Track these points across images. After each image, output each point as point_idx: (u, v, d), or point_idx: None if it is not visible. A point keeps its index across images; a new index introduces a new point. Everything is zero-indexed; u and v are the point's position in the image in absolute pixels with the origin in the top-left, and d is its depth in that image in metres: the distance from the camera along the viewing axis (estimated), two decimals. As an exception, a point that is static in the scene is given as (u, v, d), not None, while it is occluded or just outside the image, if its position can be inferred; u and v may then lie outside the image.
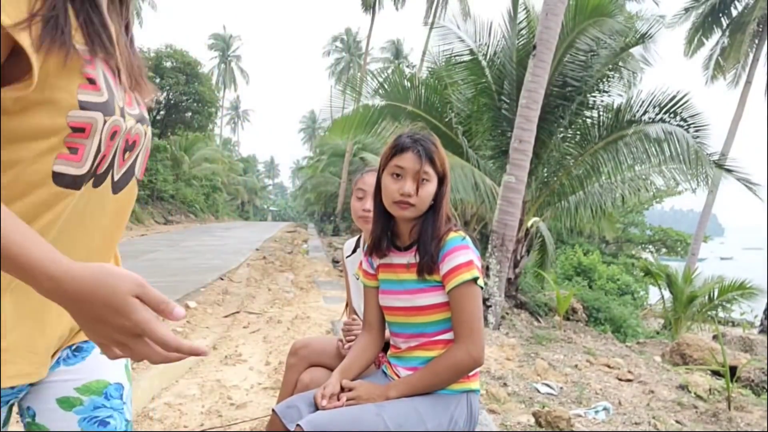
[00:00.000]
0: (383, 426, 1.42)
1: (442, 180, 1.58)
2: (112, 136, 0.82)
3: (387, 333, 1.81)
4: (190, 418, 3.04)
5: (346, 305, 2.40)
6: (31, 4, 0.69)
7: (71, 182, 0.78)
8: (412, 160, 1.52)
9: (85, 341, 0.97)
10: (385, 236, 1.64)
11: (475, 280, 1.51)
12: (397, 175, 1.54)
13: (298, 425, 1.40)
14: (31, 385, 0.88)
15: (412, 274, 1.58)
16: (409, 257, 1.60)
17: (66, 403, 0.93)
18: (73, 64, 0.74)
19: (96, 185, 0.83)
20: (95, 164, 0.81)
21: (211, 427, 2.92)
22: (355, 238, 2.33)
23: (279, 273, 10.08)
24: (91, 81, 0.77)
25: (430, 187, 1.55)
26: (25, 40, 0.67)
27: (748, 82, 16.40)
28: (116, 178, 0.87)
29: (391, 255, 1.65)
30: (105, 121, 0.78)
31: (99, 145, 0.79)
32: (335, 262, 13.64)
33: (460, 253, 1.52)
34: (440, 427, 1.49)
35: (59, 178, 0.76)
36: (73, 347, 0.95)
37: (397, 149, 1.55)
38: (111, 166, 0.85)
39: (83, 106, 0.75)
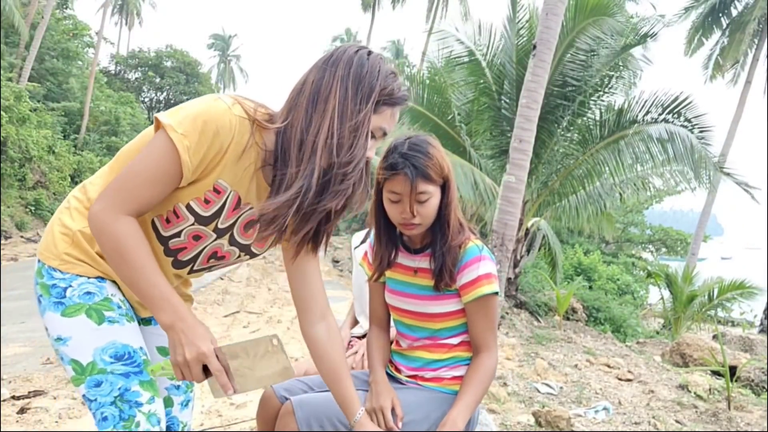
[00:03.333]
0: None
1: (444, 187, 1.49)
2: (195, 237, 1.19)
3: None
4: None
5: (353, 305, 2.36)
6: (200, 164, 1.09)
7: (160, 238, 1.19)
8: (403, 184, 1.42)
9: None
10: (388, 253, 1.60)
11: (495, 294, 1.49)
12: (396, 201, 1.46)
13: (288, 402, 1.42)
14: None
15: (422, 279, 1.55)
16: (419, 261, 1.56)
17: (162, 351, 1.33)
18: (204, 188, 1.13)
19: (176, 267, 1.24)
20: (173, 245, 1.19)
21: (211, 427, 2.92)
22: (366, 230, 2.30)
23: (279, 273, 10.08)
24: (207, 201, 1.14)
25: (432, 203, 1.46)
26: (187, 177, 1.10)
27: (748, 82, 16.38)
28: (195, 268, 1.27)
29: (400, 255, 1.62)
30: (193, 224, 1.16)
31: (180, 233, 1.18)
32: (335, 261, 13.64)
33: (480, 264, 1.48)
34: (427, 421, 1.49)
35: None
36: None
37: (389, 170, 1.45)
38: (194, 260, 1.24)
39: (188, 208, 1.14)
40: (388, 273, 1.65)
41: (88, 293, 1.13)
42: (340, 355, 1.33)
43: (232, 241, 1.24)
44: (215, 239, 1.21)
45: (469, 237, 1.53)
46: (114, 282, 1.20)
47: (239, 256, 1.28)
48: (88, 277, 1.15)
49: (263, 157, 1.14)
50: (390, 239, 1.60)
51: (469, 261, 1.49)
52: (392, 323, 1.72)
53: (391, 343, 1.74)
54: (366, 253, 1.73)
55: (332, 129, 1.10)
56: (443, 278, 1.50)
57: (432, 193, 1.45)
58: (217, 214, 1.16)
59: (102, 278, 1.17)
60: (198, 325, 1.08)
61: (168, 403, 1.32)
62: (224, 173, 1.12)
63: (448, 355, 1.56)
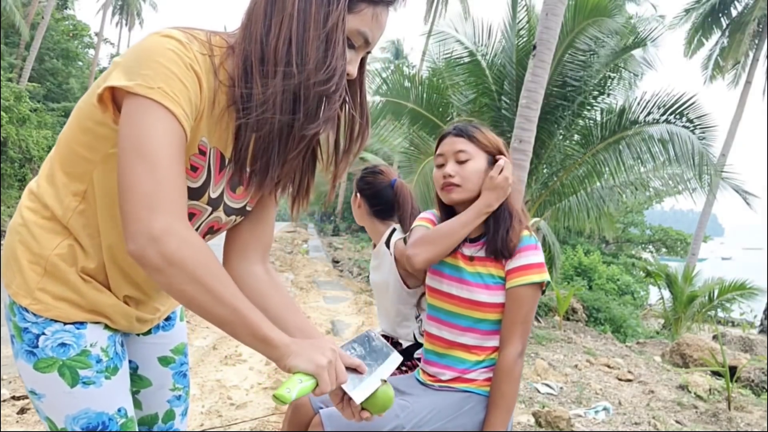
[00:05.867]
0: (399, 426, 1.39)
1: (494, 160, 1.53)
2: (189, 217, 0.96)
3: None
4: (190, 418, 3.04)
5: None
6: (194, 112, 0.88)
7: None
8: (449, 143, 1.54)
9: (172, 312, 1.22)
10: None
11: (541, 285, 1.46)
12: (441, 164, 1.55)
13: (317, 415, 1.41)
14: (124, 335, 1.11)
15: (474, 267, 1.52)
16: (474, 250, 1.55)
17: (164, 361, 1.19)
18: (189, 152, 0.90)
19: None
20: None
21: (211, 427, 2.92)
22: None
23: (279, 273, 10.08)
24: (194, 168, 0.93)
25: (473, 165, 1.51)
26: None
27: (748, 83, 16.37)
28: None
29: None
30: None
31: None
32: (335, 261, 13.64)
33: (533, 253, 1.48)
34: (464, 428, 1.44)
35: None
36: (166, 318, 1.20)
37: (439, 139, 1.58)
38: None
39: None
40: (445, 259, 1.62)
41: (63, 345, 0.95)
42: (287, 293, 1.12)
43: (228, 210, 1.04)
44: (211, 213, 1.02)
45: (527, 226, 1.55)
46: (97, 322, 1.00)
47: (235, 221, 1.10)
48: (64, 323, 0.95)
49: (229, 95, 0.93)
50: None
51: (523, 248, 1.49)
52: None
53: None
54: (427, 218, 1.69)
55: (297, 34, 0.88)
56: (494, 248, 1.49)
57: (472, 155, 1.51)
58: (207, 181, 0.97)
59: (81, 323, 0.97)
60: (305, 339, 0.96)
61: (170, 416, 1.24)
62: (203, 128, 0.92)
63: (491, 357, 1.51)
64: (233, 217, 1.07)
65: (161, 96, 0.81)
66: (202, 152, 0.93)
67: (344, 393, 0.95)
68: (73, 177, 0.94)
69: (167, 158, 0.82)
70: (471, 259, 1.54)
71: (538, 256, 1.48)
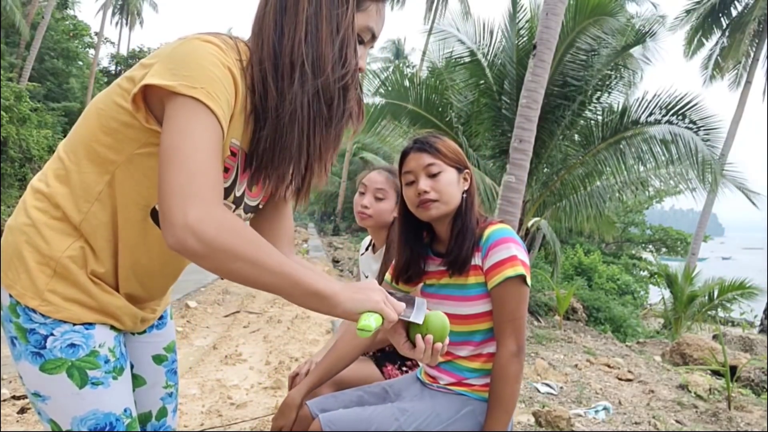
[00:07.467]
0: (399, 429, 1.39)
1: (460, 171, 1.53)
2: None
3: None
4: (190, 417, 3.04)
5: None
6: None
7: None
8: (415, 159, 1.50)
9: (164, 311, 1.24)
10: (415, 262, 1.56)
11: (521, 278, 1.41)
12: (411, 181, 1.51)
13: (317, 420, 1.40)
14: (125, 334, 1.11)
15: (455, 279, 1.50)
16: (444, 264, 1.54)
17: (157, 359, 1.21)
18: (223, 154, 0.92)
19: None
20: None
21: (211, 427, 2.92)
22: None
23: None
24: (226, 169, 0.95)
25: (445, 178, 1.48)
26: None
27: (748, 82, 16.35)
28: None
29: (433, 264, 1.58)
30: None
31: None
32: (335, 261, 13.64)
33: (504, 247, 1.43)
34: (464, 429, 1.44)
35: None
36: (159, 317, 1.21)
37: (402, 156, 1.54)
38: None
39: None
40: (425, 280, 1.61)
41: (72, 346, 0.94)
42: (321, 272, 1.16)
43: (246, 208, 1.07)
44: (233, 211, 1.03)
45: (492, 222, 1.52)
46: (104, 323, 1.00)
47: (248, 219, 1.13)
48: (74, 324, 0.95)
49: (251, 99, 0.96)
50: (417, 241, 1.58)
51: (496, 242, 1.45)
52: None
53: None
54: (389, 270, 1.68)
55: (310, 35, 0.91)
56: (454, 262, 1.47)
57: (443, 168, 1.49)
58: (234, 181, 0.99)
59: (90, 324, 0.97)
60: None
61: (163, 413, 1.24)
62: (235, 129, 0.94)
63: (489, 365, 1.49)
64: (249, 215, 1.10)
65: (204, 95, 0.84)
66: (233, 153, 0.96)
67: (406, 332, 1.02)
68: (90, 178, 0.94)
69: (202, 152, 0.82)
70: (450, 274, 1.52)
71: (509, 250, 1.43)
